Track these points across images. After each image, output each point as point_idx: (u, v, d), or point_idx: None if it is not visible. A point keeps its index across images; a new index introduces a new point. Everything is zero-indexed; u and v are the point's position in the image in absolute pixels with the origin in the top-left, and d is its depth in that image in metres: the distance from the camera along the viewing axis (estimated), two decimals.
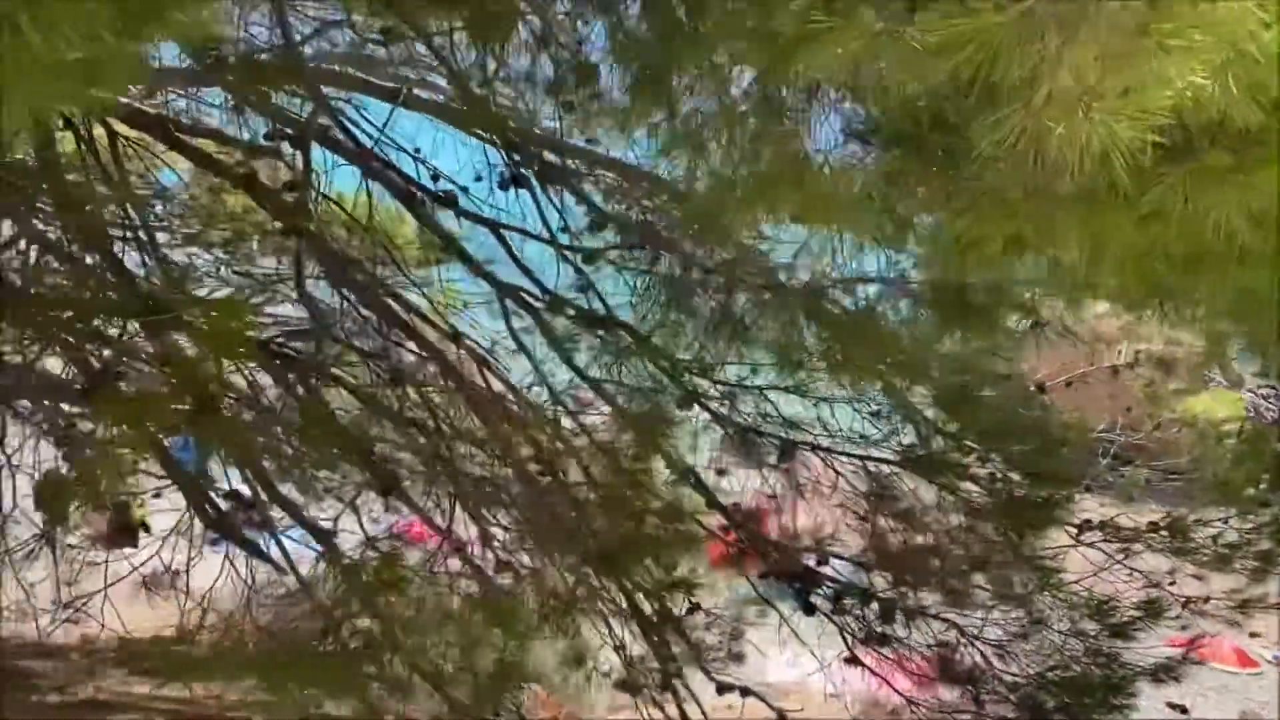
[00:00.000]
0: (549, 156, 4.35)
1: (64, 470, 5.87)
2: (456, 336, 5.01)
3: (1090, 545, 4.66)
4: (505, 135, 3.76)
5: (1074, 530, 4.58)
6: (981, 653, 4.32)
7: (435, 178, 5.05)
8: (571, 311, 3.68)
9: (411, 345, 4.40)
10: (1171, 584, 4.81)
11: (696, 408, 3.64)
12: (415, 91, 4.69)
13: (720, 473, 4.50)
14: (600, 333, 3.73)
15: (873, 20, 1.35)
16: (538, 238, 3.97)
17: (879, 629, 4.52)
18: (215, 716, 7.17)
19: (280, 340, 4.15)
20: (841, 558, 4.53)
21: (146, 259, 4.20)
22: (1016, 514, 3.72)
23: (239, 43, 4.34)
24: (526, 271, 3.94)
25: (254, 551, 4.41)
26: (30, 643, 8.59)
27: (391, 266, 5.38)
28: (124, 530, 14.87)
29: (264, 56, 3.86)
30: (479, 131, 4.03)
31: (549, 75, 4.24)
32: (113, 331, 3.45)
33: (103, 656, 8.24)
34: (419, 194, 4.06)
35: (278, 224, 5.68)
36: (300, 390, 4.06)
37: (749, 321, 3.24)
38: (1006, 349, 3.51)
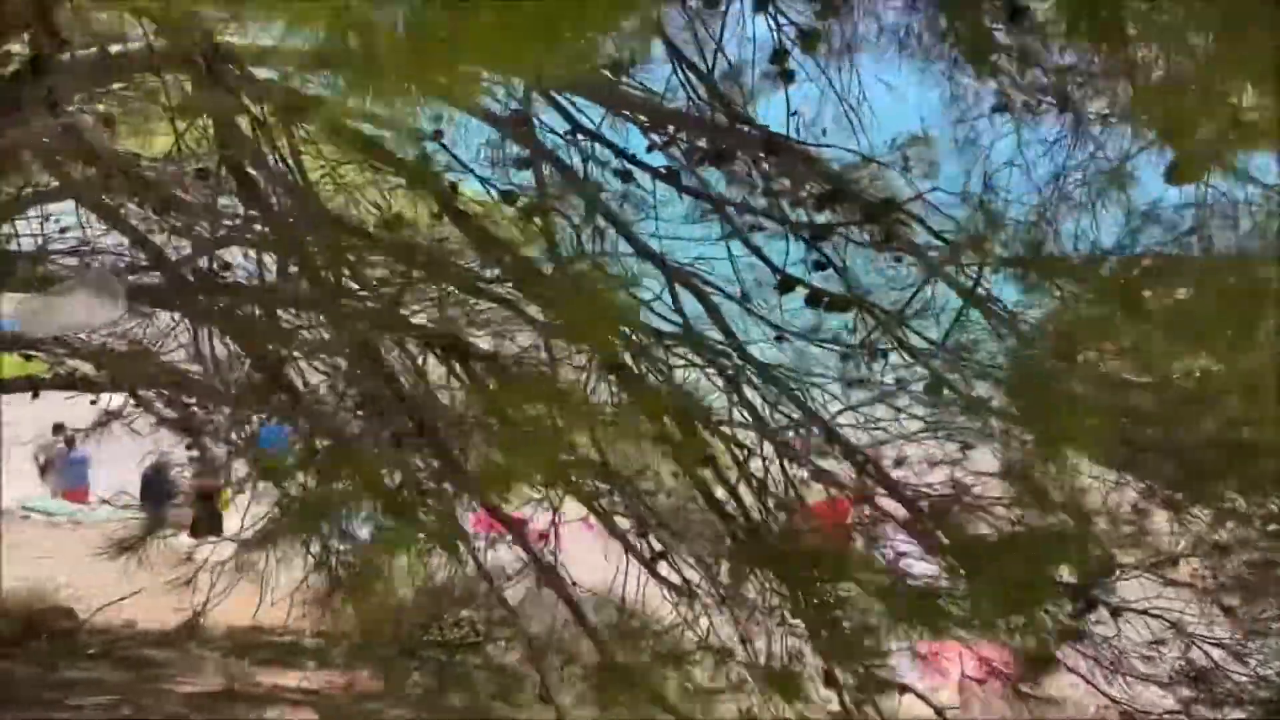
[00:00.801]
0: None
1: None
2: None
3: None
4: (730, 110, 3.57)
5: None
6: (1206, 653, 4.10)
7: (586, 159, 4.88)
8: (806, 292, 3.47)
9: None
10: None
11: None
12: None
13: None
14: (843, 314, 3.52)
15: None
16: (766, 214, 3.79)
17: (1080, 626, 4.30)
18: (346, 707, 7.12)
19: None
20: None
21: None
22: None
23: None
24: (755, 250, 3.74)
25: (443, 545, 4.22)
26: (154, 632, 8.62)
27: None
28: (211, 519, 15.01)
29: None
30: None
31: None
32: None
33: (219, 646, 8.24)
34: (631, 168, 3.88)
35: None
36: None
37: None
38: None
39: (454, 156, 4.69)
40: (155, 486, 14.70)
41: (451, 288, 4.19)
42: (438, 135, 4.78)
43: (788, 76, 3.64)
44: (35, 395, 7.77)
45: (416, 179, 4.46)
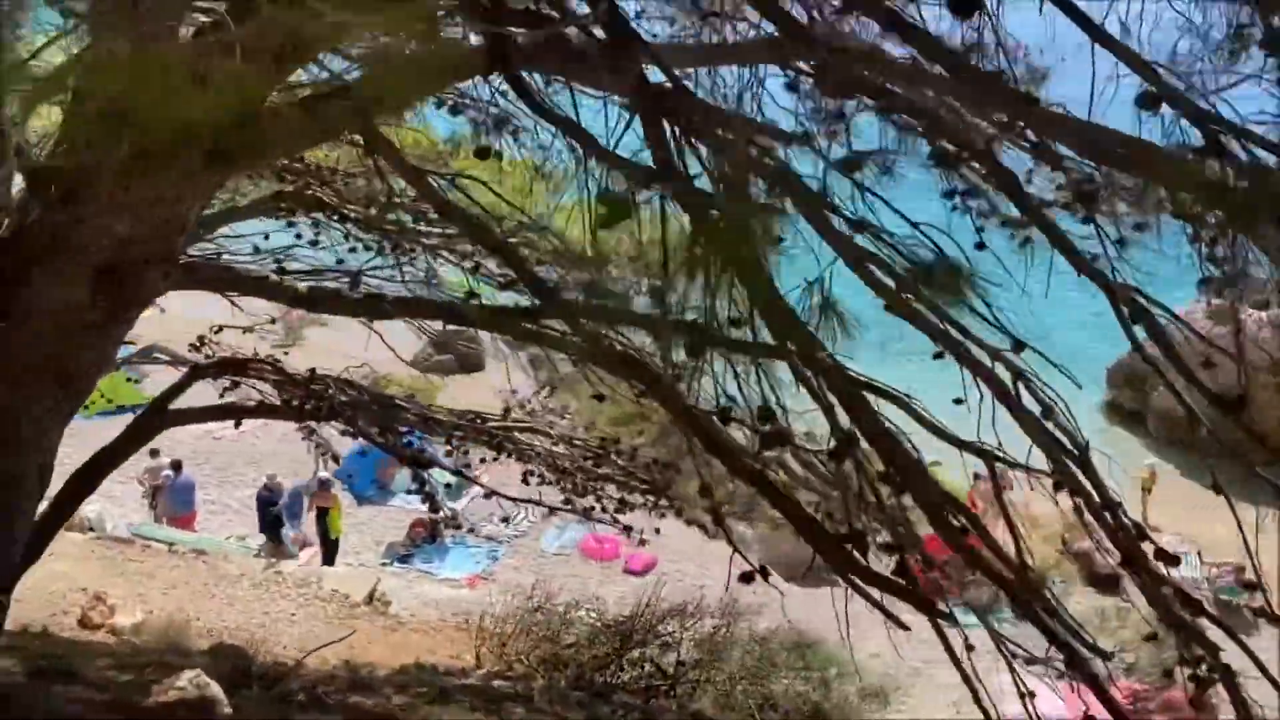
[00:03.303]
0: None
1: None
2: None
3: None
4: None
5: None
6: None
7: None
8: None
9: None
10: None
11: None
12: None
13: None
14: None
15: None
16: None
17: None
18: None
19: None
20: None
21: None
22: None
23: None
24: None
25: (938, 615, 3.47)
26: (331, 673, 8.12)
27: None
28: (324, 544, 14.59)
29: None
30: None
31: None
32: None
33: (416, 692, 7.74)
34: None
35: None
36: None
37: None
38: None
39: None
40: (270, 511, 14.30)
41: None
42: None
43: None
44: (237, 425, 7.33)
45: None
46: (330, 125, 4.01)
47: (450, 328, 23.29)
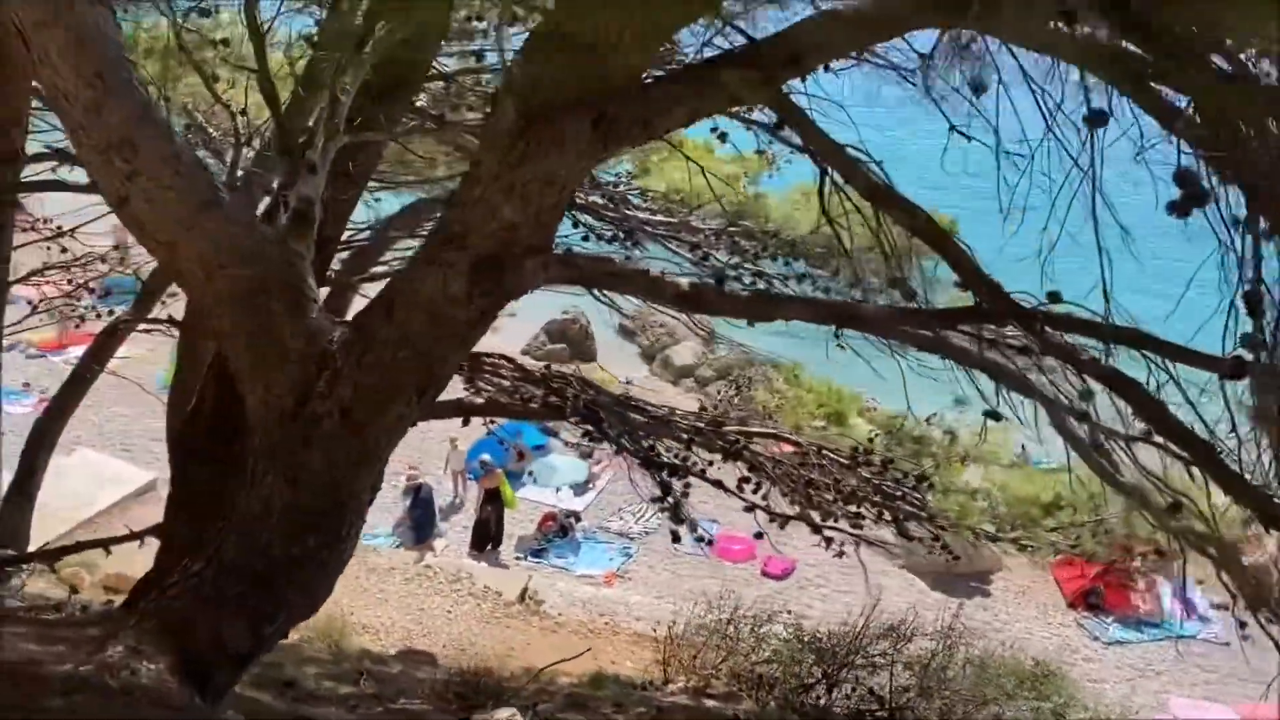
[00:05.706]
0: None
1: None
2: None
3: None
4: None
5: None
6: None
7: None
8: None
9: None
10: None
11: None
12: None
13: None
14: None
15: None
16: None
17: None
18: None
19: None
20: None
21: None
22: None
23: None
24: None
25: None
26: (559, 690, 7.64)
27: None
28: (498, 522, 14.37)
29: None
30: None
31: None
32: None
33: (636, 712, 7.23)
34: None
35: None
36: None
37: None
38: None
39: None
40: (420, 501, 13.98)
41: None
42: None
43: None
44: (465, 422, 6.83)
45: None
46: (734, 92, 3.42)
47: (566, 317, 22.82)
